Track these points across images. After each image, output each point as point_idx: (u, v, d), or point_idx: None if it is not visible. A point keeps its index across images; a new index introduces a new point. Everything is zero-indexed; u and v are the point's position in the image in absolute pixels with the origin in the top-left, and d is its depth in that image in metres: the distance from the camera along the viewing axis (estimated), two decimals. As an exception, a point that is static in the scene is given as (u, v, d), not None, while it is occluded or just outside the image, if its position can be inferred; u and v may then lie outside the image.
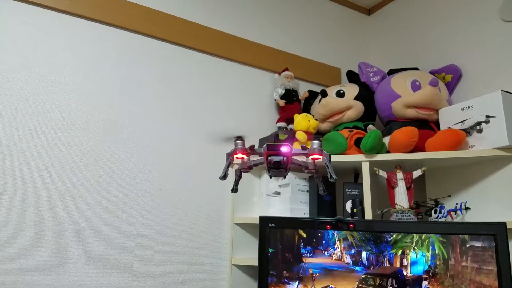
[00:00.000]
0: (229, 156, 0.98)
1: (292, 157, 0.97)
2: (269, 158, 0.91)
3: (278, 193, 1.60)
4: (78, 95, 1.39)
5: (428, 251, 1.16)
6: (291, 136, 1.62)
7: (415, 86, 1.57)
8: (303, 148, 0.96)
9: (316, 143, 0.95)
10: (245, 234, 1.58)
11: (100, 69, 1.45)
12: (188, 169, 1.56)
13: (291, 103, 1.77)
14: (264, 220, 1.35)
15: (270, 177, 1.00)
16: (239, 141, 0.97)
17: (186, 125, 1.59)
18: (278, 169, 0.93)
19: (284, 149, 0.91)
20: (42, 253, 1.25)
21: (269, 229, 1.33)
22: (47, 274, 1.24)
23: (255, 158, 1.00)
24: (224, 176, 0.97)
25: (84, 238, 1.32)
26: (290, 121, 1.71)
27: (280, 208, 1.57)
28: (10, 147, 1.25)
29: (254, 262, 1.46)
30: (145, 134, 1.50)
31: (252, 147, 0.97)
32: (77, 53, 1.42)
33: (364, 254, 1.20)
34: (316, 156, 0.94)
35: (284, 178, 1.02)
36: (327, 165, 0.93)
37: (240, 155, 0.97)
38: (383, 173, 1.43)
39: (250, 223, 1.57)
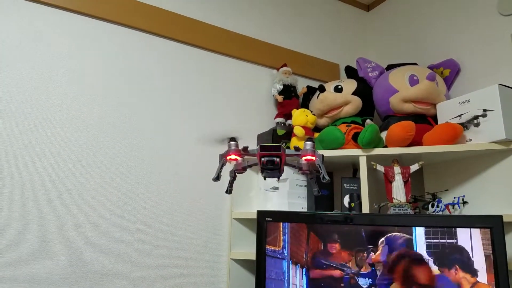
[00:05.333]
0: (222, 157, 0.99)
1: (286, 159, 0.98)
2: (263, 159, 0.92)
3: (276, 188, 1.60)
4: (75, 89, 1.40)
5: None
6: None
7: (413, 81, 1.57)
8: (296, 149, 0.97)
9: (309, 144, 0.95)
10: (243, 229, 1.59)
11: (98, 64, 1.46)
12: (186, 164, 1.57)
13: (289, 99, 1.77)
14: (261, 214, 1.35)
15: (264, 178, 1.01)
16: (232, 142, 0.98)
17: (185, 120, 1.60)
18: (271, 170, 0.93)
19: (277, 150, 0.92)
20: (42, 246, 1.26)
21: (266, 223, 1.34)
22: (46, 267, 1.25)
23: (249, 158, 1.01)
24: (217, 178, 0.97)
25: (84, 232, 1.33)
26: (288, 116, 1.72)
27: (278, 202, 1.57)
28: (9, 143, 1.26)
29: (252, 256, 1.47)
30: (144, 130, 1.50)
31: (245, 148, 0.98)
32: (75, 48, 1.43)
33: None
34: (309, 157, 0.94)
35: (278, 179, 1.03)
36: (319, 166, 0.94)
37: (233, 156, 0.97)
38: (380, 168, 1.43)
39: (248, 218, 1.58)
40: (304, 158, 0.96)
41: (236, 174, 1.03)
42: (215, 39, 1.73)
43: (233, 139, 0.99)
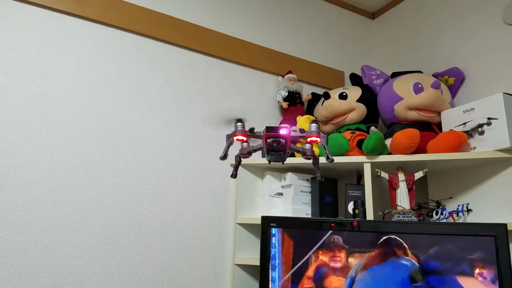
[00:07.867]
0: (229, 137, 1.01)
1: (291, 144, 1.00)
2: (268, 140, 0.94)
3: (281, 194, 1.61)
4: (83, 95, 1.42)
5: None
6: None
7: (418, 89, 1.58)
8: (301, 131, 0.98)
9: (314, 126, 0.97)
10: (247, 234, 1.59)
11: (106, 71, 1.48)
12: (191, 170, 1.58)
13: (294, 105, 1.78)
14: (266, 220, 1.36)
15: (269, 162, 1.02)
16: (239, 123, 1.00)
17: (190, 126, 1.62)
18: (277, 151, 0.95)
19: (283, 131, 0.93)
20: (48, 250, 1.27)
21: (270, 229, 1.34)
22: (52, 271, 1.26)
23: (255, 145, 1.03)
24: (224, 156, 0.99)
25: (89, 236, 1.34)
26: (293, 123, 1.72)
27: (282, 208, 1.58)
28: (17, 146, 1.28)
29: (256, 262, 1.47)
30: (149, 135, 1.52)
31: (252, 129, 1.00)
32: (84, 54, 1.45)
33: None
34: (314, 139, 0.96)
35: (283, 163, 1.04)
36: (324, 147, 0.96)
37: (240, 137, 0.99)
38: (384, 175, 1.43)
39: (253, 223, 1.58)
40: (309, 139, 0.97)
41: (241, 158, 1.05)
42: (222, 45, 1.75)
43: (240, 120, 1.01)
